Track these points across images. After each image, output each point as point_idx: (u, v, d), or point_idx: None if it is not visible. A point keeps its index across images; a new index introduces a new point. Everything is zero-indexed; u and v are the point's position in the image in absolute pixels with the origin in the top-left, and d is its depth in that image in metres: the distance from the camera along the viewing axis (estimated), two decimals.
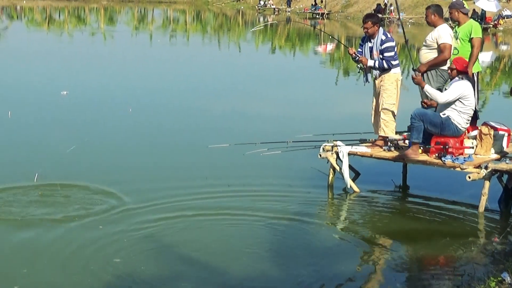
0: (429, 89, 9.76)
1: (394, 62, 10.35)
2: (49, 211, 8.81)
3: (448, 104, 9.62)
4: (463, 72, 9.73)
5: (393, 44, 10.35)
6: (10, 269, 7.22)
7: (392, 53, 10.32)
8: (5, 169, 10.68)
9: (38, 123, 14.49)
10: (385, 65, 10.35)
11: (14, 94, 18.09)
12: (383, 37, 10.35)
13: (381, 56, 10.35)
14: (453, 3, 10.70)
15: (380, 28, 10.46)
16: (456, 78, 9.74)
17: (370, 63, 10.47)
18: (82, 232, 8.21)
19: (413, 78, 10.00)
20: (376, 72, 10.57)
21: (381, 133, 10.45)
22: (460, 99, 9.59)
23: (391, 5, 59.20)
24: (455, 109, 9.62)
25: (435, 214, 9.59)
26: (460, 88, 9.59)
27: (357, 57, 10.54)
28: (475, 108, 10.42)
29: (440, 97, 9.68)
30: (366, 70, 10.62)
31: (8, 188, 9.62)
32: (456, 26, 10.70)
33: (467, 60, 10.10)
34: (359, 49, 10.68)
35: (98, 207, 9.03)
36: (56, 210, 8.84)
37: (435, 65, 10.33)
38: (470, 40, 10.40)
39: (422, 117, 9.62)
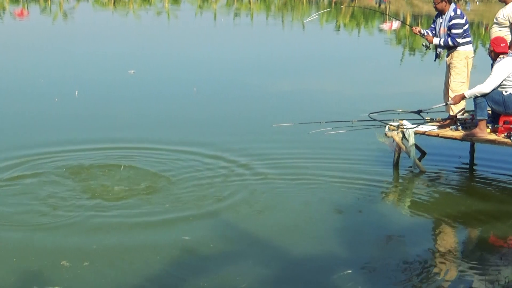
0: (469, 92, 9.57)
1: (460, 40, 10.13)
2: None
3: (503, 86, 9.34)
4: (502, 52, 9.43)
5: (462, 21, 10.13)
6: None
7: (459, 30, 10.10)
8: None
9: (106, 101, 14.71)
10: (450, 43, 10.16)
11: (81, 73, 18.38)
12: (452, 13, 10.16)
13: (448, 33, 10.16)
14: None
15: (452, 4, 10.26)
16: (498, 59, 9.44)
17: (436, 41, 10.31)
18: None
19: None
20: (440, 50, 10.40)
21: (450, 112, 10.28)
22: (509, 78, 9.30)
23: None
24: (511, 86, 9.37)
25: (503, 194, 9.44)
26: (503, 68, 9.28)
27: (423, 35, 10.40)
28: None
29: (484, 87, 9.39)
30: (436, 47, 10.45)
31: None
32: None
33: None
34: (432, 25, 10.52)
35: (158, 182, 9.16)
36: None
37: None
38: None
39: (484, 93, 9.40)
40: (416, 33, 10.55)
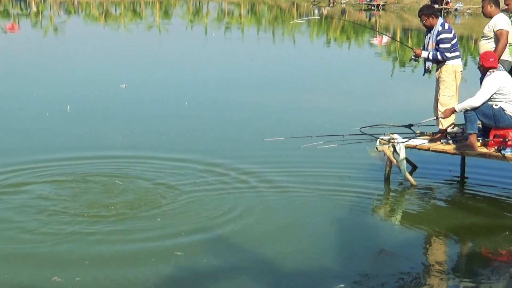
0: (459, 106, 9.62)
1: (449, 54, 10.19)
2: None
3: (493, 100, 9.40)
4: (491, 67, 9.49)
5: (449, 35, 10.19)
6: None
7: (447, 45, 10.17)
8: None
9: (97, 115, 14.70)
10: (439, 57, 10.23)
11: (73, 87, 18.39)
12: (440, 28, 10.23)
13: (436, 48, 10.23)
14: None
15: (440, 18, 10.35)
16: (488, 73, 9.50)
17: (424, 54, 10.38)
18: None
19: None
20: (428, 64, 10.47)
21: (439, 126, 10.32)
22: (499, 92, 9.37)
23: None
24: (501, 100, 9.41)
25: (494, 208, 9.47)
26: (493, 82, 9.34)
27: (415, 59, 10.53)
28: None
29: (475, 101, 9.43)
30: (425, 61, 10.52)
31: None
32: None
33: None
34: (425, 41, 10.60)
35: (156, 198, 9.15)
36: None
37: (499, 56, 10.03)
38: None
39: (474, 107, 9.45)
40: (416, 51, 10.61)
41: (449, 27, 10.31)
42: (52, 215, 8.48)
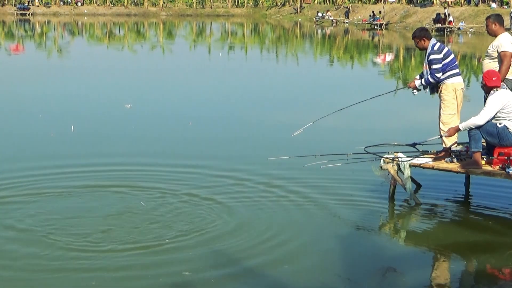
0: (463, 125, 9.63)
1: (439, 75, 10.21)
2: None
3: (497, 118, 9.42)
4: (494, 86, 9.51)
5: (439, 56, 10.20)
6: None
7: (438, 65, 10.19)
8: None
9: (102, 135, 14.73)
10: (431, 79, 10.28)
11: (77, 108, 18.47)
12: (429, 49, 10.30)
13: (430, 69, 10.29)
14: None
15: (432, 39, 10.40)
16: (491, 92, 9.52)
17: (417, 83, 10.50)
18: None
19: None
20: (430, 87, 10.52)
21: (443, 145, 10.33)
22: (503, 110, 9.39)
23: (449, 15, 58.63)
24: (505, 119, 9.42)
25: (499, 226, 9.46)
26: (496, 100, 9.36)
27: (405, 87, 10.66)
28: None
29: (479, 119, 9.44)
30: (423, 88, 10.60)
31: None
32: None
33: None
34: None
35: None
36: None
37: (503, 78, 10.06)
38: None
39: (478, 126, 9.47)
40: (411, 85, 10.71)
41: (439, 47, 10.31)
42: (53, 231, 8.53)
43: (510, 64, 10.13)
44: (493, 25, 10.44)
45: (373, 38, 56.22)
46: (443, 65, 10.22)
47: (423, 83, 10.42)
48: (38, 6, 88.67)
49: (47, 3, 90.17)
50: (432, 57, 10.24)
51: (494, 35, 10.45)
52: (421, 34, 10.43)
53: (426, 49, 10.41)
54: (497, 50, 10.25)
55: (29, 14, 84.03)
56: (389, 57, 38.92)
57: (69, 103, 19.38)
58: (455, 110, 10.30)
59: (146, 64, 32.87)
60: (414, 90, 10.65)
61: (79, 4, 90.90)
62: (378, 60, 37.53)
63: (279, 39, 56.27)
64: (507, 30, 10.84)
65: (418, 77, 10.70)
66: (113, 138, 14.57)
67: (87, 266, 7.66)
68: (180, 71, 30.00)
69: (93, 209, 9.54)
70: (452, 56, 10.42)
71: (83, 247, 8.15)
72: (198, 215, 9.35)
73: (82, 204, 9.80)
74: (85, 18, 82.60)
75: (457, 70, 10.39)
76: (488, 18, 10.63)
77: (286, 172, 11.45)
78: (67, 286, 7.23)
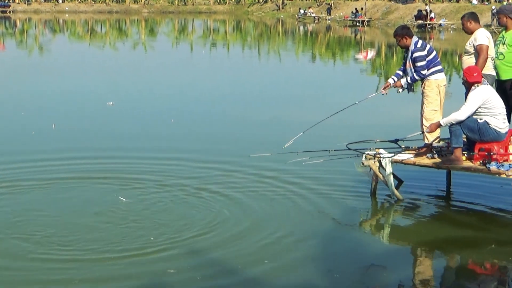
0: (444, 120, 9.67)
1: (426, 71, 10.25)
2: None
3: (478, 114, 9.47)
4: (475, 82, 9.56)
5: (423, 53, 10.23)
6: None
7: (422, 63, 10.23)
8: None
9: (83, 133, 14.67)
10: (416, 77, 10.31)
11: (59, 105, 18.40)
12: (413, 47, 10.30)
13: (414, 67, 10.31)
14: (502, 8, 10.63)
15: (414, 37, 10.41)
16: (472, 87, 9.56)
17: (403, 82, 10.50)
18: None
19: None
20: (411, 86, 10.55)
21: (425, 141, 10.37)
22: (484, 105, 9.45)
23: (431, 11, 58.88)
24: (486, 114, 9.48)
25: (480, 222, 9.52)
26: (477, 96, 9.40)
27: (392, 87, 10.61)
28: None
29: (460, 115, 9.48)
30: (407, 88, 10.61)
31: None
32: (504, 31, 10.58)
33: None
34: (403, 60, 10.67)
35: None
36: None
37: (481, 69, 10.12)
38: None
39: (459, 121, 9.51)
40: (387, 92, 10.71)
41: (422, 44, 10.35)
42: (35, 229, 8.48)
43: (487, 57, 10.20)
44: (468, 23, 10.52)
45: (355, 35, 56.34)
46: (427, 61, 10.25)
47: (409, 81, 10.44)
48: (18, 3, 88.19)
49: (28, 0, 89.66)
50: (416, 54, 10.25)
51: (470, 32, 10.53)
52: (403, 32, 10.44)
53: (408, 47, 10.42)
54: (473, 45, 10.32)
55: (9, 12, 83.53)
56: (371, 53, 39.02)
57: (51, 101, 19.31)
58: (438, 106, 10.33)
59: (128, 62, 32.78)
60: (400, 89, 10.66)
61: (60, 1, 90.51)
62: (360, 57, 37.62)
63: (261, 36, 56.28)
64: (489, 26, 10.88)
65: (394, 76, 10.71)
66: (95, 135, 14.49)
67: (68, 257, 7.66)
68: (162, 68, 29.93)
69: (66, 202, 9.64)
70: (434, 52, 10.46)
71: (63, 243, 8.12)
72: (179, 212, 9.35)
73: (54, 197, 9.90)
74: (66, 15, 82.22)
75: (440, 67, 10.43)
76: (462, 17, 10.75)
77: (268, 169, 11.46)
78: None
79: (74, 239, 8.28)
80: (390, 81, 10.70)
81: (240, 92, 22.05)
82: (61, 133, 14.51)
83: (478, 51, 10.21)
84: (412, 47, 10.32)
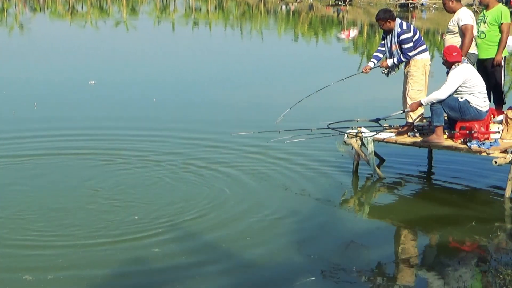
0: (425, 99, 9.70)
1: (411, 53, 10.23)
2: None
3: (459, 93, 9.51)
4: (455, 61, 9.59)
5: (409, 34, 10.20)
6: None
7: (410, 44, 10.20)
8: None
9: (65, 112, 14.59)
10: (403, 59, 10.29)
11: (40, 85, 18.28)
12: (399, 30, 10.24)
13: (400, 49, 10.29)
14: None
15: (397, 19, 10.36)
16: (453, 66, 9.59)
17: (390, 62, 10.45)
18: None
19: None
20: (394, 68, 10.55)
21: (408, 119, 10.39)
22: (464, 84, 9.48)
23: None
24: (467, 93, 9.50)
25: (461, 200, 9.58)
26: (458, 75, 9.42)
27: (375, 66, 10.58)
28: (503, 92, 10.43)
29: (440, 94, 9.49)
30: (390, 68, 10.59)
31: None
32: (484, 10, 10.60)
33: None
34: (382, 42, 10.64)
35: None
36: None
37: (466, 51, 10.15)
38: (500, 25, 10.32)
39: (440, 100, 9.54)
40: (368, 71, 10.68)
41: (407, 25, 10.31)
42: (20, 212, 8.42)
43: (473, 37, 10.21)
44: (450, 3, 10.49)
45: (337, 14, 56.25)
46: (413, 42, 10.23)
47: (396, 62, 10.40)
48: None
49: None
50: (403, 37, 10.19)
51: (452, 11, 10.50)
52: (385, 16, 10.35)
53: (391, 30, 10.37)
54: (458, 25, 10.31)
55: None
56: (353, 33, 39.01)
57: (33, 80, 19.15)
58: (423, 85, 10.33)
59: (110, 41, 32.59)
60: (385, 69, 10.62)
61: None
62: (343, 36, 37.59)
63: (243, 15, 56.09)
64: (470, 6, 10.89)
65: (374, 59, 10.66)
66: (77, 114, 14.42)
67: (51, 244, 7.61)
68: (145, 48, 29.77)
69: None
70: (418, 32, 10.45)
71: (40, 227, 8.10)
72: (159, 190, 9.36)
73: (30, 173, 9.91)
74: None
75: (425, 46, 10.42)
76: None
77: (250, 147, 11.46)
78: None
79: (54, 222, 8.21)
80: (371, 64, 10.66)
81: (222, 72, 21.95)
82: (43, 112, 14.42)
83: (464, 31, 10.21)
84: (397, 29, 10.25)
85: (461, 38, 10.30)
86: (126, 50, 28.70)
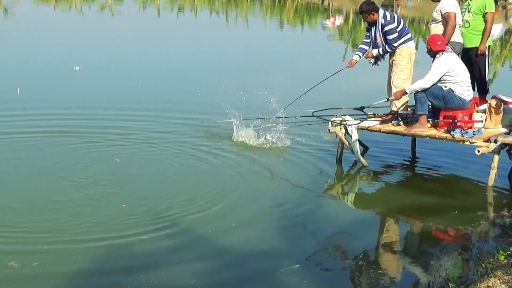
0: (410, 88, 9.74)
1: (396, 44, 10.24)
2: None
3: (442, 81, 9.55)
4: (439, 50, 9.63)
5: (394, 25, 10.20)
6: None
7: (394, 35, 10.21)
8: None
9: (49, 98, 14.51)
10: (389, 49, 10.31)
11: (24, 70, 18.17)
12: (383, 21, 10.24)
13: (385, 40, 10.30)
14: None
15: (380, 10, 10.35)
16: (437, 55, 9.63)
17: (375, 52, 10.46)
18: None
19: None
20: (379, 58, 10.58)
21: (393, 108, 10.43)
22: (448, 73, 9.53)
23: None
24: (451, 82, 9.55)
25: (444, 188, 9.65)
26: (442, 63, 9.47)
27: (361, 58, 10.58)
28: (486, 81, 10.48)
29: (424, 83, 9.55)
30: (376, 58, 10.59)
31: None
32: None
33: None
34: (367, 33, 10.64)
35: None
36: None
37: (448, 39, 10.20)
38: (484, 14, 10.36)
39: (424, 89, 9.58)
40: (354, 65, 10.67)
41: (391, 15, 10.29)
42: (6, 199, 8.38)
43: (455, 24, 10.25)
44: None
45: (322, 1, 56.12)
46: (398, 32, 10.24)
47: (381, 52, 10.42)
48: None
49: None
50: (388, 28, 10.20)
51: (437, 0, 10.53)
52: (369, 8, 10.31)
53: (375, 22, 10.37)
54: (441, 13, 10.35)
55: None
56: (339, 20, 38.98)
57: (17, 65, 19.01)
58: (408, 74, 10.37)
59: (95, 26, 32.39)
60: (372, 59, 10.63)
61: None
62: (328, 23, 37.56)
63: (229, 2, 55.86)
64: None
65: (359, 51, 10.66)
66: (61, 99, 14.37)
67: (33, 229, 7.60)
68: (130, 33, 29.63)
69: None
70: (402, 21, 10.45)
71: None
72: (144, 180, 9.35)
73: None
74: None
75: (410, 35, 10.44)
76: None
77: (233, 135, 11.44)
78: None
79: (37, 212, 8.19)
80: (356, 57, 10.66)
81: (206, 59, 21.90)
82: (26, 97, 14.34)
83: (446, 19, 10.25)
84: (381, 20, 10.24)
85: (443, 26, 10.34)
86: (112, 35, 28.53)
